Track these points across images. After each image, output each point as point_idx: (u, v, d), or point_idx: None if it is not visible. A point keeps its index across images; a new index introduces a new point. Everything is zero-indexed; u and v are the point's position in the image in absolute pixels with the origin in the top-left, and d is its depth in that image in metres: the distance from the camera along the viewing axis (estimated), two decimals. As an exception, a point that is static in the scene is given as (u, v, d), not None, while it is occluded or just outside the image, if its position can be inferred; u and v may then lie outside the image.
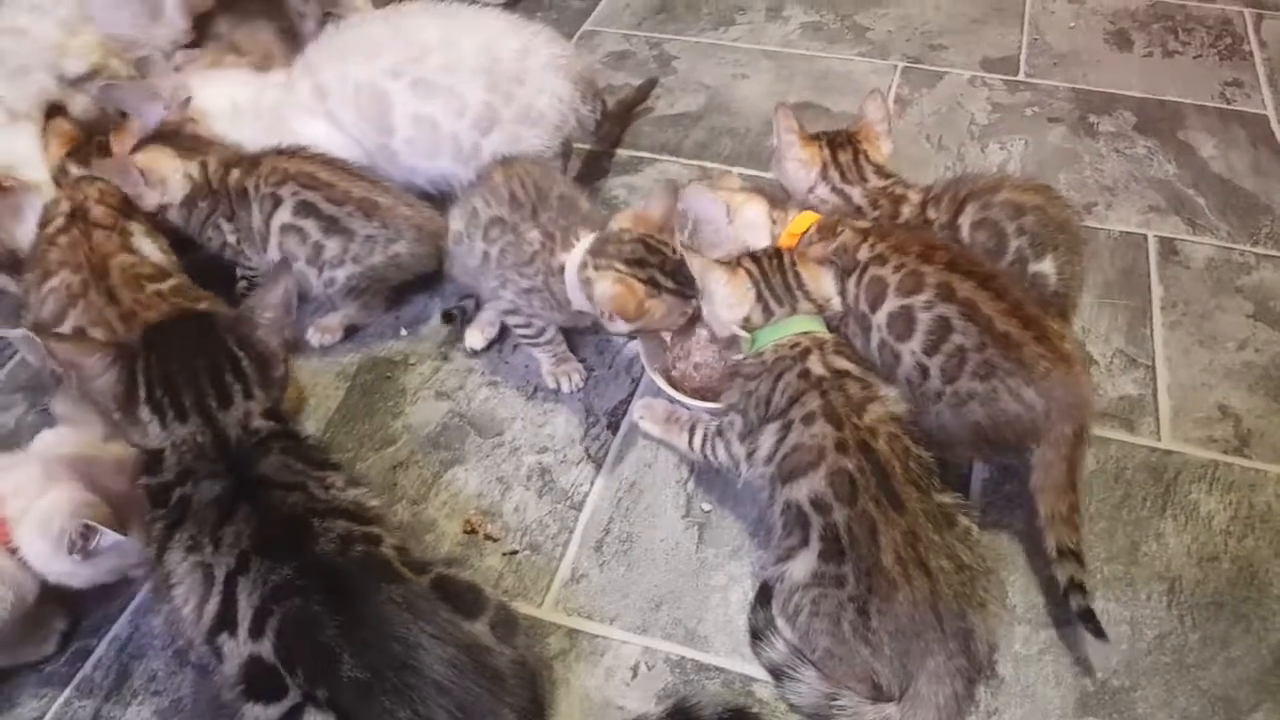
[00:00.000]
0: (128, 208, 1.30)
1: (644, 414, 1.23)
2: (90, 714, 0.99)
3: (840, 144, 1.29)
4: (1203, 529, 1.12)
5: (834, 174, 1.28)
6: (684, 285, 1.10)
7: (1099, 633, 0.96)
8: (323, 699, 0.79)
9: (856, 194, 1.27)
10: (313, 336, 1.38)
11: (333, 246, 1.30)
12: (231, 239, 1.34)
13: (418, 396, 1.31)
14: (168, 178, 1.31)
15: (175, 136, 1.36)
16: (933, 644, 0.89)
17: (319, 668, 0.79)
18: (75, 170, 1.39)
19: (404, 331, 1.40)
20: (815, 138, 1.30)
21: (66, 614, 1.05)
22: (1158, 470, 1.18)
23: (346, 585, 0.82)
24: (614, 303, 1.05)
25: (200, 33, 1.73)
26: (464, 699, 0.79)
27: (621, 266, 1.07)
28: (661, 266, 1.08)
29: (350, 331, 1.40)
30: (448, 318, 1.40)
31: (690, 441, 1.16)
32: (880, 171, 1.28)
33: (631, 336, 1.23)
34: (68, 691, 1.01)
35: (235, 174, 1.32)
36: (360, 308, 1.39)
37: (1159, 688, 0.98)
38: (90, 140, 1.44)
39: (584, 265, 1.11)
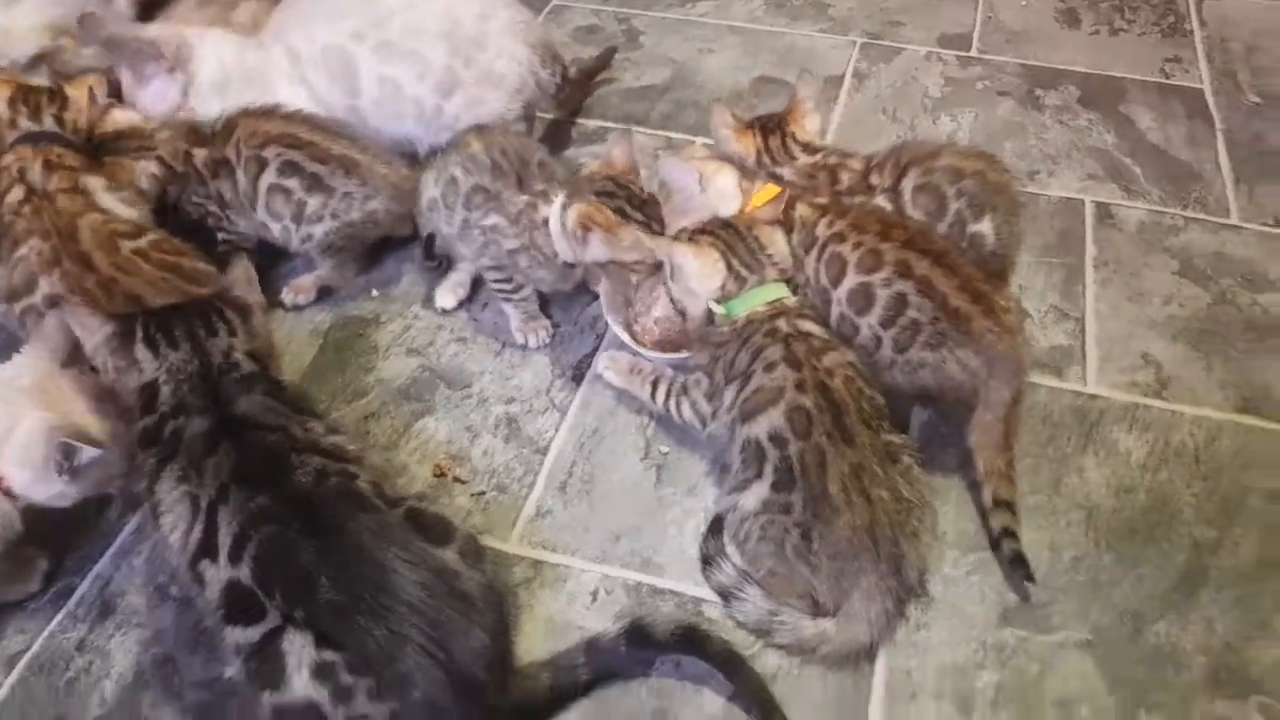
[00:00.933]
0: (85, 163, 1.26)
1: (608, 365, 1.29)
2: (75, 644, 1.04)
3: (770, 129, 1.33)
4: (1121, 464, 1.20)
5: (766, 159, 1.32)
6: (651, 219, 1.16)
7: (1029, 577, 1.04)
8: (301, 620, 0.83)
9: (787, 174, 1.31)
10: (287, 296, 1.42)
11: (313, 203, 1.33)
12: (213, 208, 1.37)
13: (389, 352, 1.36)
14: (142, 189, 1.30)
15: (118, 141, 1.32)
16: (867, 565, 0.97)
17: (297, 591, 0.84)
18: (26, 123, 1.29)
19: (375, 292, 1.45)
20: (749, 126, 1.34)
21: (49, 555, 1.10)
22: (1082, 412, 1.26)
23: (323, 514, 0.87)
24: (586, 218, 1.11)
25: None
26: (436, 618, 0.84)
27: (592, 197, 1.15)
28: (629, 200, 1.15)
29: (323, 293, 1.44)
30: (430, 255, 1.40)
31: (654, 395, 1.21)
32: (808, 148, 1.32)
33: (605, 268, 1.25)
34: (52, 625, 1.05)
35: (202, 152, 1.33)
36: (334, 268, 1.42)
37: (1074, 602, 1.06)
38: (37, 88, 1.34)
39: (563, 208, 1.17)
